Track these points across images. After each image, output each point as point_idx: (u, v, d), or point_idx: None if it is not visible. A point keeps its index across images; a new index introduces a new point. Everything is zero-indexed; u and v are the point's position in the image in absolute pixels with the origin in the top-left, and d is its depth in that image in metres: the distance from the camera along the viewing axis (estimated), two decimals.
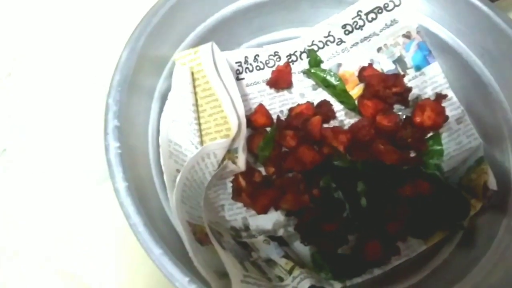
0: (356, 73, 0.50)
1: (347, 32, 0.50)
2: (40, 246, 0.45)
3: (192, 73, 0.41)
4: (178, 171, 0.39)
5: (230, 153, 0.43)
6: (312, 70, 0.50)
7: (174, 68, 0.41)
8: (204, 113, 0.42)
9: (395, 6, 0.48)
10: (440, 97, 0.47)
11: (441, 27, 0.47)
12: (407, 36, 0.49)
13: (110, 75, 0.38)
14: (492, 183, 0.41)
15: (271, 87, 0.50)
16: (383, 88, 0.47)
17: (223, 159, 0.42)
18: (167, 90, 0.42)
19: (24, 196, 0.47)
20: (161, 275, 0.41)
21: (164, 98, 0.42)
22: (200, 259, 0.34)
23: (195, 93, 0.41)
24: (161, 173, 0.38)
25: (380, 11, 0.48)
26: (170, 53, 0.43)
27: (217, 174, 0.42)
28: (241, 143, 0.42)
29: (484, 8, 0.44)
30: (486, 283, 0.37)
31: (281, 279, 0.39)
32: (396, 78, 0.47)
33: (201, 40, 0.44)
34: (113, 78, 0.38)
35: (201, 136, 0.42)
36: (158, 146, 0.40)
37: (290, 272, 0.39)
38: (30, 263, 0.44)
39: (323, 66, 0.51)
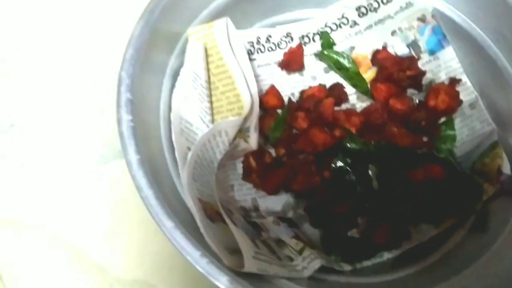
0: (369, 56, 0.50)
1: (361, 15, 0.49)
2: (46, 222, 0.45)
3: (206, 49, 0.40)
4: (189, 148, 0.38)
5: (242, 132, 0.42)
6: (325, 52, 0.49)
7: (188, 43, 0.40)
8: (217, 91, 0.41)
9: None
10: (454, 81, 0.46)
11: (456, 11, 0.47)
12: (422, 19, 0.48)
13: (122, 52, 0.37)
14: (506, 167, 0.40)
15: (282, 69, 0.50)
16: (397, 71, 0.46)
17: (235, 138, 0.41)
18: (179, 67, 0.41)
19: (30, 172, 0.47)
20: (168, 253, 0.41)
21: (176, 75, 0.41)
22: (211, 235, 0.33)
23: (208, 70, 0.41)
24: (172, 149, 0.38)
25: None
26: (183, 29, 0.42)
27: (228, 153, 0.42)
28: (253, 122, 0.41)
29: None
30: (498, 267, 0.36)
31: (291, 259, 0.38)
32: (410, 61, 0.47)
33: (214, 17, 0.43)
34: (126, 51, 0.37)
35: (212, 114, 0.42)
36: (169, 122, 0.39)
37: (300, 252, 0.39)
38: (36, 238, 0.44)
39: (336, 48, 0.50)
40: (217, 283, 0.31)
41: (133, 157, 0.34)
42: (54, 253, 0.43)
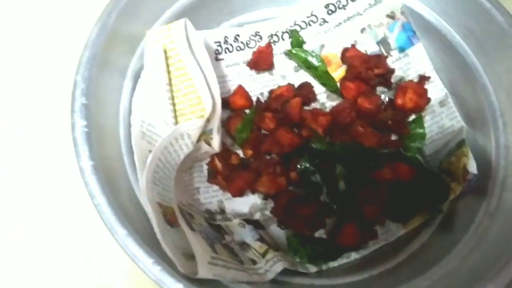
0: (339, 55, 0.49)
1: (330, 12, 0.49)
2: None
3: (165, 51, 0.40)
4: (150, 151, 0.38)
5: (205, 134, 0.42)
6: (294, 51, 0.49)
7: (145, 45, 0.40)
8: (179, 93, 0.41)
9: None
10: (423, 79, 0.46)
11: (426, 8, 0.46)
12: (391, 16, 0.48)
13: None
14: (472, 166, 0.40)
15: (251, 68, 0.49)
16: (365, 69, 0.46)
17: (198, 140, 0.41)
18: (140, 69, 0.41)
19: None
20: None
21: (137, 78, 0.41)
22: (168, 241, 0.33)
23: (169, 72, 0.40)
24: (131, 152, 0.38)
25: None
26: (144, 31, 0.41)
27: (192, 156, 0.41)
28: (215, 124, 0.41)
29: None
30: (462, 266, 0.36)
31: (254, 262, 0.38)
32: (378, 59, 0.46)
33: (178, 18, 0.42)
34: (82, 55, 0.37)
35: (175, 116, 0.41)
36: (129, 125, 0.39)
37: (263, 255, 0.39)
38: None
39: (305, 47, 0.49)
40: None
41: (87, 163, 0.33)
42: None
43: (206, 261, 0.33)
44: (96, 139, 0.35)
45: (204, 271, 0.32)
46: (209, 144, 0.41)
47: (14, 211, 0.45)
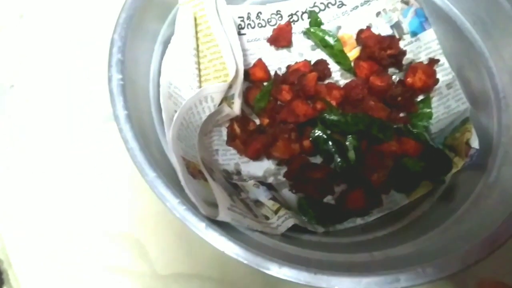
0: (355, 36, 0.52)
1: None
2: (49, 175, 0.47)
3: (195, 18, 0.43)
4: (176, 111, 0.41)
5: (227, 99, 0.45)
6: (311, 30, 0.52)
7: (178, 11, 0.43)
8: (204, 59, 0.44)
9: None
10: (432, 61, 0.49)
11: None
12: (406, 2, 0.50)
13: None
14: (474, 142, 0.43)
15: (271, 44, 0.52)
16: (379, 49, 0.49)
17: (220, 104, 0.44)
18: (170, 35, 0.44)
19: (34, 131, 0.49)
20: (154, 210, 0.43)
21: (167, 43, 0.44)
22: (191, 188, 0.36)
23: (197, 38, 0.43)
24: (159, 109, 0.41)
25: None
26: None
27: (213, 117, 0.44)
28: (237, 90, 0.44)
29: None
30: (460, 228, 0.39)
31: (266, 218, 0.41)
32: (391, 41, 0.49)
33: None
34: (119, 16, 0.40)
35: (200, 81, 0.44)
36: (158, 85, 0.42)
37: (276, 212, 0.42)
38: (33, 188, 0.47)
39: (323, 27, 0.52)
40: (193, 229, 0.34)
41: (121, 112, 0.36)
42: (47, 202, 0.46)
43: (226, 206, 0.36)
44: (130, 93, 0.38)
45: (224, 215, 0.35)
46: (230, 107, 0.44)
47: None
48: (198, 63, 0.44)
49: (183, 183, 0.36)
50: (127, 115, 0.36)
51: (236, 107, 0.45)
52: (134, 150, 0.35)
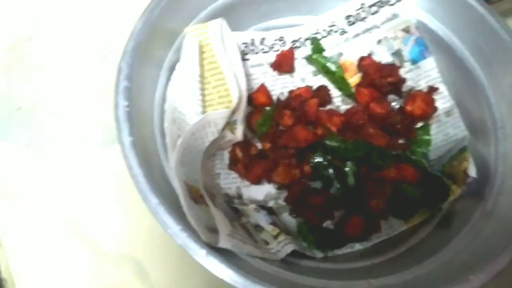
0: (356, 63, 0.53)
1: (350, 23, 0.53)
2: (49, 197, 0.48)
3: (201, 46, 0.44)
4: (179, 136, 0.42)
5: (230, 124, 0.46)
6: (314, 56, 0.53)
7: (184, 39, 0.44)
8: (209, 85, 0.45)
9: (396, 1, 0.51)
10: (432, 89, 0.50)
11: (439, 24, 0.50)
12: (406, 30, 0.52)
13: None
14: (472, 171, 0.44)
15: (274, 69, 0.53)
16: (379, 77, 0.50)
17: (223, 129, 0.45)
18: (176, 62, 0.45)
19: (36, 153, 0.50)
20: (156, 232, 0.44)
21: (172, 69, 0.45)
22: (193, 214, 0.37)
23: (202, 66, 0.44)
24: (163, 135, 0.42)
25: (382, 4, 0.51)
26: (181, 27, 0.46)
27: (216, 143, 0.45)
28: (240, 116, 0.45)
29: (479, 8, 0.46)
30: (457, 258, 0.40)
31: (266, 243, 0.42)
32: (391, 69, 0.50)
33: (211, 18, 0.47)
34: (127, 44, 0.41)
35: (204, 106, 0.45)
36: (163, 111, 0.43)
37: (276, 237, 0.42)
38: (36, 212, 0.47)
39: (325, 54, 0.54)
40: (194, 256, 0.34)
41: (127, 139, 0.37)
42: (50, 224, 0.47)
43: (226, 233, 0.36)
44: (135, 119, 0.39)
45: (225, 242, 0.36)
46: (232, 133, 0.45)
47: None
48: (203, 89, 0.45)
49: (185, 208, 0.37)
50: (132, 142, 0.37)
51: (239, 133, 0.46)
52: (138, 176, 0.36)
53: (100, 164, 0.50)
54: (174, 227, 0.35)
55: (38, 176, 0.49)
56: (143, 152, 0.38)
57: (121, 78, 0.39)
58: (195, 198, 0.40)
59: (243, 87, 0.44)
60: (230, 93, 0.44)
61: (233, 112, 0.44)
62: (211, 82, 0.45)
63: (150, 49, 0.43)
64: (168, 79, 0.45)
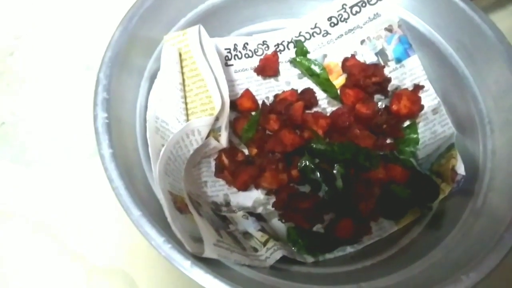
0: (340, 64, 0.53)
1: (332, 24, 0.52)
2: (36, 212, 0.48)
3: (180, 54, 0.43)
4: (163, 145, 0.41)
5: (214, 131, 0.45)
6: (298, 59, 0.52)
7: (163, 48, 0.43)
8: (191, 93, 0.44)
9: (378, 0, 0.50)
10: (417, 88, 0.49)
11: (421, 22, 0.50)
12: (389, 29, 0.51)
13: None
14: (460, 168, 0.43)
15: (258, 74, 0.53)
16: (364, 77, 0.49)
17: (207, 137, 0.44)
18: (157, 70, 0.45)
19: (22, 168, 0.50)
20: (144, 244, 0.43)
21: (153, 78, 0.45)
22: (178, 224, 0.36)
23: (183, 73, 0.44)
24: (146, 145, 0.41)
25: (363, 4, 0.51)
26: (161, 35, 0.45)
27: (201, 151, 0.45)
28: (224, 122, 0.44)
29: (461, 4, 0.46)
30: (448, 257, 0.39)
31: (255, 250, 0.41)
32: (375, 68, 0.50)
33: (192, 25, 0.46)
34: (104, 55, 0.41)
35: (187, 114, 0.45)
36: (145, 121, 0.42)
37: (264, 244, 0.42)
38: (20, 226, 0.47)
39: (309, 56, 0.53)
40: (179, 267, 0.34)
41: (106, 151, 0.37)
42: (36, 240, 0.46)
43: (211, 242, 0.36)
44: (115, 131, 0.38)
45: (210, 251, 0.35)
46: (217, 140, 0.45)
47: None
48: (185, 97, 0.44)
49: (169, 219, 0.36)
50: (112, 154, 0.37)
51: (223, 140, 0.45)
52: (119, 189, 0.35)
53: (86, 176, 0.49)
54: (158, 239, 0.34)
55: (24, 191, 0.49)
56: (124, 163, 0.37)
57: (99, 89, 0.39)
58: (181, 208, 0.39)
59: (225, 93, 0.43)
60: (212, 100, 0.43)
61: (217, 119, 0.44)
62: (193, 90, 0.44)
63: (130, 59, 0.42)
64: (150, 88, 0.44)
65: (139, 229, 0.34)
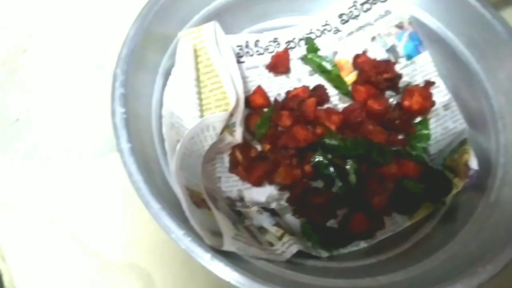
0: (351, 61, 0.53)
1: (343, 22, 0.53)
2: (49, 208, 0.48)
3: (195, 50, 0.44)
4: (178, 141, 0.42)
5: (229, 127, 0.46)
6: (309, 56, 0.53)
7: (178, 44, 0.44)
8: (205, 89, 0.45)
9: None
10: (428, 84, 0.50)
11: (432, 18, 0.50)
12: (400, 26, 0.52)
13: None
14: (473, 163, 0.43)
15: (270, 71, 0.53)
16: (375, 74, 0.50)
17: (221, 132, 0.44)
18: (171, 67, 0.45)
19: (35, 164, 0.50)
20: (159, 239, 0.44)
21: (168, 74, 0.45)
22: (196, 218, 0.36)
23: (197, 69, 0.44)
24: (162, 140, 0.41)
25: (374, 1, 0.51)
26: (175, 32, 0.46)
27: (216, 146, 0.45)
28: (238, 118, 0.45)
29: (471, 0, 0.46)
30: (463, 251, 0.39)
31: (271, 244, 0.41)
32: (387, 64, 0.50)
33: (205, 22, 0.47)
34: (121, 51, 0.41)
35: (201, 110, 0.45)
36: (160, 116, 0.43)
37: (280, 238, 0.42)
38: (37, 224, 0.47)
39: (320, 53, 0.53)
40: (199, 260, 0.34)
41: (125, 145, 0.37)
42: (52, 236, 0.46)
43: (230, 236, 0.36)
44: (133, 126, 0.38)
45: (229, 244, 0.35)
46: (232, 135, 0.45)
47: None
48: (199, 93, 0.45)
49: (187, 213, 0.36)
50: (131, 148, 0.37)
51: (238, 135, 0.45)
52: (139, 183, 0.36)
53: (100, 172, 0.49)
54: (177, 232, 0.34)
55: (38, 188, 0.49)
56: (142, 158, 0.38)
57: (116, 85, 0.39)
58: (197, 203, 0.39)
59: (240, 89, 0.44)
60: (227, 96, 0.44)
61: (231, 114, 0.44)
62: (208, 86, 0.44)
63: (145, 55, 0.43)
64: (164, 84, 0.44)
65: (159, 222, 0.35)
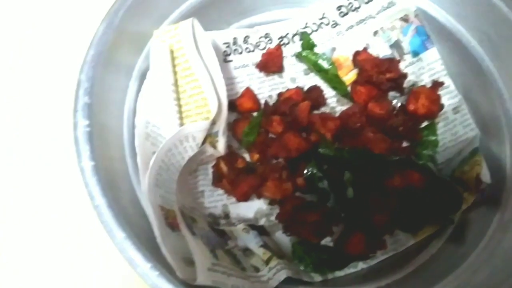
0: (351, 58, 0.48)
1: (342, 14, 0.48)
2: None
3: (172, 51, 0.39)
4: (154, 153, 0.37)
5: (211, 137, 0.41)
6: (304, 54, 0.48)
7: (152, 44, 0.39)
8: (185, 94, 0.40)
9: None
10: (436, 84, 0.45)
11: (441, 10, 0.45)
12: (405, 19, 0.47)
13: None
14: (485, 176, 0.39)
15: (260, 70, 0.48)
16: (377, 73, 0.45)
17: (203, 143, 0.40)
18: (147, 69, 0.40)
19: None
20: None
21: (143, 78, 0.40)
22: (169, 245, 0.32)
23: (175, 73, 0.39)
24: (134, 154, 0.37)
25: None
26: (151, 30, 0.41)
27: (196, 158, 0.40)
28: (221, 126, 0.40)
29: None
30: (472, 280, 0.35)
31: (256, 270, 0.37)
32: (390, 63, 0.45)
33: (186, 18, 0.42)
34: (87, 53, 0.36)
35: (181, 118, 0.40)
36: (133, 126, 0.39)
37: (267, 262, 0.38)
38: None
39: (316, 50, 0.48)
40: None
41: (87, 163, 0.33)
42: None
43: (206, 267, 0.32)
44: (99, 139, 0.34)
45: (203, 278, 0.31)
46: (214, 146, 0.41)
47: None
48: (178, 99, 0.40)
49: (158, 239, 0.32)
50: (94, 167, 0.33)
51: (221, 147, 0.41)
52: (101, 207, 0.31)
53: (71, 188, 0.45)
54: (144, 265, 0.30)
55: (22, 191, 0.46)
56: (108, 177, 0.34)
57: (80, 93, 0.35)
58: (173, 225, 0.35)
59: (223, 95, 0.39)
60: (208, 103, 0.39)
61: (213, 123, 0.40)
62: (187, 91, 0.40)
63: (116, 57, 0.38)
64: (139, 89, 0.40)
65: (123, 253, 0.31)
